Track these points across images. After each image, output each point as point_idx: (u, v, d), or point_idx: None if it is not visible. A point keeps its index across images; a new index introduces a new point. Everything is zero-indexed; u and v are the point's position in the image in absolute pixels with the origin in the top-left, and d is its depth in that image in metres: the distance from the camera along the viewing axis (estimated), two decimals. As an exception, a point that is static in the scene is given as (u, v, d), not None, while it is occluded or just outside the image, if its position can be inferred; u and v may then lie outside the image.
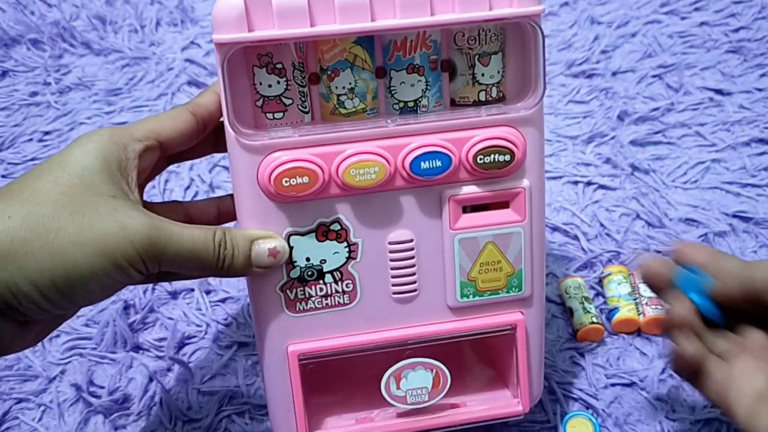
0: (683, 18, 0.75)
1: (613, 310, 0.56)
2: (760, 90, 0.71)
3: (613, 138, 0.67)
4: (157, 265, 0.37)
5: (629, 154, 0.66)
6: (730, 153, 0.67)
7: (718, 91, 0.71)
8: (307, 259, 0.41)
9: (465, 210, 0.42)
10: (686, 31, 0.74)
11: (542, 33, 0.39)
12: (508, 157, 0.40)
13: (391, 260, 0.42)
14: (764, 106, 0.70)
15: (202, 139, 0.43)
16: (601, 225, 0.62)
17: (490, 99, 0.42)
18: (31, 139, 0.67)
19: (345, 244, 0.41)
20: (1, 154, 0.66)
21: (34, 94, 0.69)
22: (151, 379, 0.54)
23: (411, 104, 0.41)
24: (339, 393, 0.46)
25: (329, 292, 0.42)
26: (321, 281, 0.41)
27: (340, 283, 0.42)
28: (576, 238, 0.62)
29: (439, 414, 0.44)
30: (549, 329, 0.57)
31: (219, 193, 0.65)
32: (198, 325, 0.57)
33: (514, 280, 0.43)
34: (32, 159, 0.66)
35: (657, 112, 0.69)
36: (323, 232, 0.41)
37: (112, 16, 0.74)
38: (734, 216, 0.63)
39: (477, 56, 0.41)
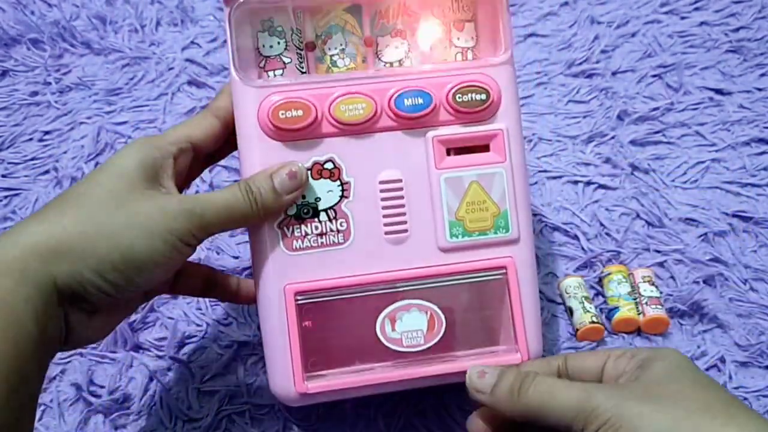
0: (683, 18, 0.75)
1: (613, 310, 0.56)
2: (760, 90, 0.71)
3: (613, 138, 0.67)
4: (204, 232, 0.42)
5: (629, 154, 0.66)
6: (729, 153, 0.67)
7: (718, 91, 0.71)
8: (303, 197, 0.44)
9: (449, 153, 0.46)
10: (686, 30, 0.74)
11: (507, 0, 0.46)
12: (484, 96, 0.45)
13: (382, 199, 0.45)
14: (764, 106, 0.70)
15: (227, 139, 0.47)
16: (601, 225, 0.62)
17: (465, 60, 0.48)
18: (31, 139, 0.67)
19: (338, 182, 0.45)
20: (1, 154, 0.66)
21: (34, 93, 0.69)
22: (151, 379, 0.54)
23: (396, 64, 0.48)
24: (336, 344, 0.46)
25: (324, 231, 0.45)
26: (316, 219, 0.45)
27: (334, 221, 0.45)
28: (576, 237, 0.62)
29: (438, 361, 0.45)
30: (549, 329, 0.57)
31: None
32: (198, 325, 0.57)
33: (501, 220, 0.46)
34: (32, 159, 0.66)
35: (657, 111, 0.69)
36: (318, 171, 0.45)
37: (112, 16, 0.74)
38: (734, 216, 0.63)
39: (451, 23, 0.48)
